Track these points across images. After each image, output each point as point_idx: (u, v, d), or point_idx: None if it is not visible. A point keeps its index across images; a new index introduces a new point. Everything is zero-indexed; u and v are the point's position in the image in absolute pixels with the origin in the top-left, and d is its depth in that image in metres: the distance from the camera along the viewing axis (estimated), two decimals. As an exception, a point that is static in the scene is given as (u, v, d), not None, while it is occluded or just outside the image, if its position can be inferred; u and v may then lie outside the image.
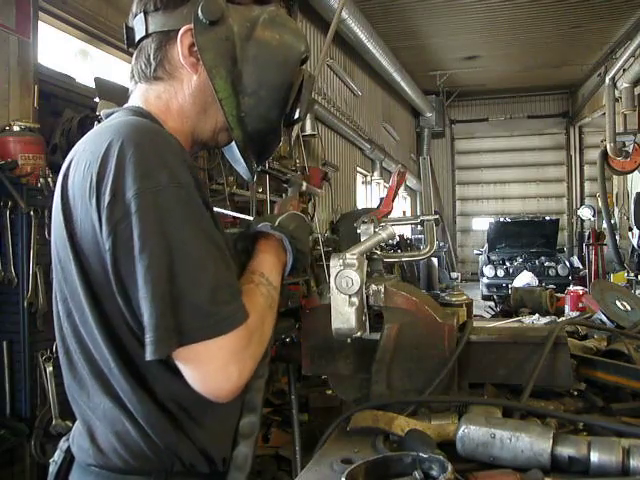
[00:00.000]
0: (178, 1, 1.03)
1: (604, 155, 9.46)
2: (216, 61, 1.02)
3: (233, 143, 1.11)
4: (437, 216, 1.46)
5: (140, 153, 0.89)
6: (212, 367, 0.90)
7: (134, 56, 1.09)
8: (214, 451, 1.00)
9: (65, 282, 0.98)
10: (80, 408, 1.01)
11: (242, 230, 1.18)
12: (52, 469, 1.09)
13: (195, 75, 1.05)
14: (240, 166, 1.18)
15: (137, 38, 1.07)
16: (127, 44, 1.10)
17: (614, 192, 11.73)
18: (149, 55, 1.06)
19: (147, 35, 1.05)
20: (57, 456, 1.09)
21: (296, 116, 1.13)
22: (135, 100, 1.09)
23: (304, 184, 1.36)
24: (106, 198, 0.88)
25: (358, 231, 1.33)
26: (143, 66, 1.07)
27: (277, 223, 1.13)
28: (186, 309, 0.86)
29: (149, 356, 0.85)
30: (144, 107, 1.05)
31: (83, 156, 0.94)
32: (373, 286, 1.23)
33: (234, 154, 1.15)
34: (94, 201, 0.89)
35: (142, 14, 1.05)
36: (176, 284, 0.86)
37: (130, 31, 1.08)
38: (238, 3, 1.06)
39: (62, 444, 1.09)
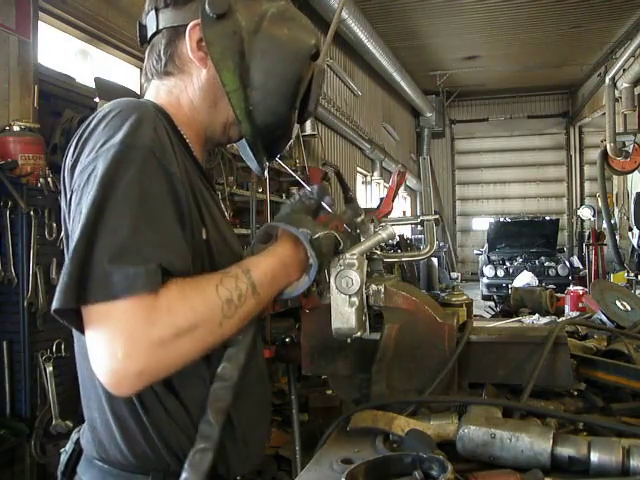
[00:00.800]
0: None
1: (604, 155, 9.46)
2: (223, 54, 1.02)
3: (244, 140, 1.11)
4: (437, 216, 1.46)
5: (112, 121, 0.90)
6: (101, 338, 0.81)
7: (146, 53, 1.11)
8: None
9: None
10: (87, 399, 1.02)
11: (274, 223, 1.09)
12: (62, 458, 1.10)
13: (204, 69, 1.05)
14: (252, 163, 1.17)
15: (149, 35, 1.09)
16: (140, 42, 1.12)
17: (614, 192, 11.73)
18: (160, 50, 1.07)
19: (158, 31, 1.07)
20: (68, 446, 1.11)
21: (306, 110, 1.12)
22: (148, 96, 1.10)
23: (362, 217, 1.24)
24: (73, 162, 0.92)
25: (358, 231, 1.33)
26: (154, 62, 1.08)
27: (317, 237, 1.03)
28: (91, 266, 0.81)
29: (52, 306, 0.82)
30: (156, 102, 1.05)
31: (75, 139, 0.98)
32: (373, 286, 1.23)
33: (247, 151, 1.14)
34: (69, 171, 0.93)
35: (153, 11, 1.07)
36: (93, 241, 0.82)
37: (143, 29, 1.10)
38: None
39: (73, 435, 1.11)
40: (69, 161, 0.95)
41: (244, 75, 1.04)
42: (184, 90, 1.07)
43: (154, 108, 0.98)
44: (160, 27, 1.06)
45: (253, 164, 1.18)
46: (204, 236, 0.98)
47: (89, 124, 0.94)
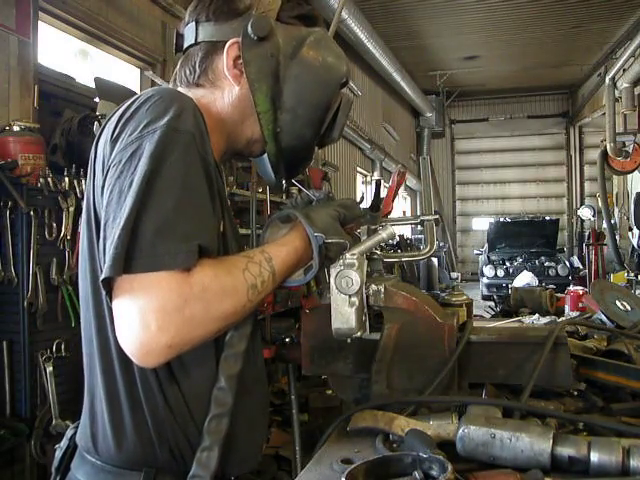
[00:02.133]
0: (230, 15, 1.08)
1: (604, 155, 9.46)
2: (259, 75, 1.06)
3: (265, 155, 1.14)
4: (437, 216, 1.46)
5: (156, 104, 0.93)
6: (134, 308, 0.84)
7: (180, 61, 1.14)
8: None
9: (80, 253, 1.02)
10: (89, 389, 1.03)
11: (298, 213, 1.10)
12: (57, 454, 1.12)
13: (237, 86, 1.09)
14: (268, 177, 1.20)
15: (185, 45, 1.12)
16: (175, 50, 1.16)
17: (614, 192, 11.73)
18: (195, 62, 1.10)
19: (196, 43, 1.10)
20: (63, 443, 1.12)
21: (330, 137, 1.16)
22: None
23: (377, 226, 1.26)
24: (115, 137, 0.93)
25: (358, 231, 1.33)
26: (188, 72, 1.11)
27: (329, 241, 1.06)
28: (138, 237, 0.84)
29: (102, 275, 0.84)
30: None
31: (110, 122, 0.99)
32: (373, 286, 1.23)
33: (265, 165, 1.18)
34: (109, 147, 0.94)
35: (194, 23, 1.10)
36: (141, 214, 0.85)
37: (180, 38, 1.14)
38: (286, 23, 1.10)
39: (69, 431, 1.12)
40: (108, 135, 0.95)
41: (276, 98, 1.07)
42: (213, 102, 1.10)
43: (194, 102, 1.00)
44: (199, 39, 1.10)
45: (270, 178, 1.20)
46: (221, 228, 1.01)
47: (131, 104, 0.95)
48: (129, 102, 0.97)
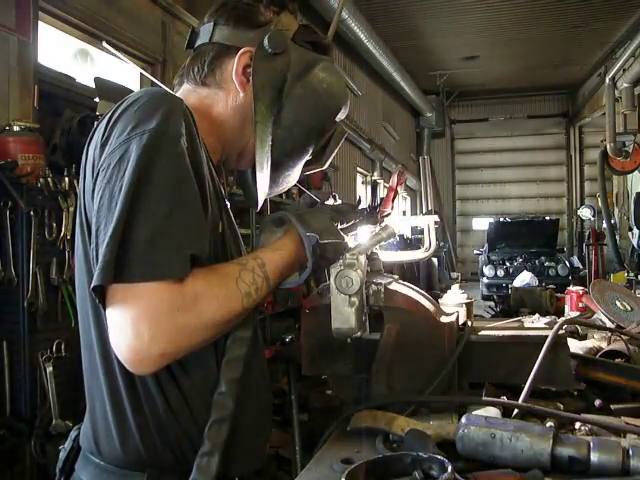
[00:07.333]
0: (249, 24, 1.11)
1: (604, 155, 9.47)
2: (264, 86, 1.08)
3: (248, 170, 1.17)
4: (437, 216, 1.46)
5: (144, 106, 0.92)
6: (127, 316, 0.83)
7: (190, 58, 1.17)
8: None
9: (76, 257, 1.02)
10: (90, 390, 1.03)
11: (291, 216, 1.10)
12: (61, 455, 1.12)
13: (242, 93, 1.11)
14: (248, 191, 1.23)
15: (198, 42, 1.15)
16: (186, 46, 1.18)
17: (614, 192, 11.73)
18: (205, 61, 1.12)
19: (210, 43, 1.12)
20: (67, 444, 1.12)
21: (318, 162, 1.20)
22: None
23: (377, 228, 1.27)
24: (103, 140, 0.93)
25: (356, 232, 1.33)
26: (196, 69, 1.13)
27: (324, 242, 1.06)
28: (128, 245, 0.84)
29: (92, 283, 0.84)
30: None
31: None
32: (373, 286, 1.23)
33: (247, 179, 1.21)
34: (98, 151, 0.93)
35: (212, 24, 1.13)
36: (131, 223, 0.84)
37: (194, 35, 1.17)
38: (299, 45, 1.14)
39: (72, 432, 1.13)
40: (98, 138, 0.95)
41: (276, 112, 1.10)
42: (216, 104, 1.12)
43: (183, 103, 1.00)
44: (213, 40, 1.12)
45: (249, 193, 1.24)
46: (220, 229, 1.01)
47: (120, 106, 0.95)
48: (118, 104, 0.97)
